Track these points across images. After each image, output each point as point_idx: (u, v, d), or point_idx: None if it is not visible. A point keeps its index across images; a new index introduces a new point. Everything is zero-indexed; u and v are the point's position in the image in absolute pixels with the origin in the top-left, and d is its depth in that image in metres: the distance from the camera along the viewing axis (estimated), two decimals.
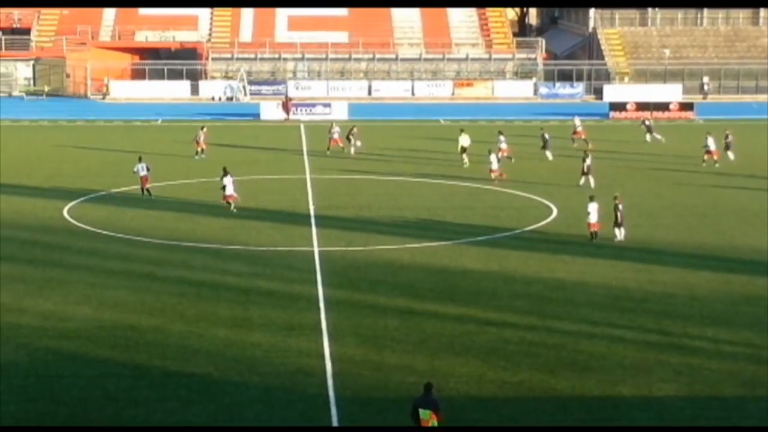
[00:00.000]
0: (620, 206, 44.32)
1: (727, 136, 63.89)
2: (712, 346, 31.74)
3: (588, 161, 55.71)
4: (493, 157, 56.97)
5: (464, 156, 61.40)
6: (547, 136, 64.15)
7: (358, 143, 64.94)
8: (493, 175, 56.33)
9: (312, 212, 49.44)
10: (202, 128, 66.12)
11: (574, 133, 68.40)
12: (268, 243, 43.71)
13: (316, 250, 42.60)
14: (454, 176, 58.11)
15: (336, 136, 65.72)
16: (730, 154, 62.70)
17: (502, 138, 62.07)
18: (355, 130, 66.29)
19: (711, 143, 61.49)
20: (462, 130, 63.89)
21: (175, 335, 32.51)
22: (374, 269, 39.97)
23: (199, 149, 63.73)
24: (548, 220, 48.41)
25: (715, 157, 61.16)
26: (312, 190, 54.39)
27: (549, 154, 63.17)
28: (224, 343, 31.75)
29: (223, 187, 49.48)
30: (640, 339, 32.29)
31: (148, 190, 52.56)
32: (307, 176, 58.23)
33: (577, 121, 70.21)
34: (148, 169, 52.81)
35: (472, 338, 32.28)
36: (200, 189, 54.85)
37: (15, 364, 30.07)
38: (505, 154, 60.97)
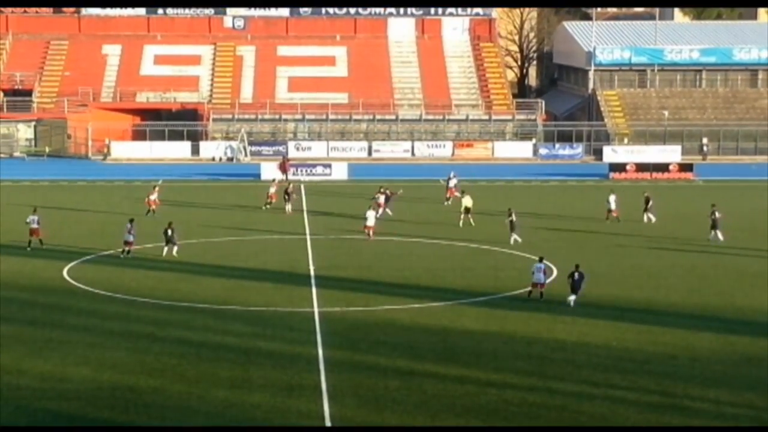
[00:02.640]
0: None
1: (648, 200, 63.71)
2: (713, 408, 31.59)
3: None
4: None
5: (469, 216, 61.55)
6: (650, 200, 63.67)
7: (289, 207, 65.42)
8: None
9: (312, 272, 49.39)
10: (155, 187, 67.19)
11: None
12: (268, 303, 43.62)
13: (316, 310, 42.51)
14: (455, 237, 58.08)
15: (273, 191, 67.19)
16: (651, 216, 62.94)
17: None
18: (291, 187, 67.79)
19: (612, 202, 62.28)
20: (463, 192, 64.08)
21: (175, 396, 32.36)
22: (374, 330, 39.85)
23: (151, 208, 64.51)
24: (548, 280, 48.26)
25: (615, 215, 61.85)
26: (312, 250, 54.37)
27: (651, 216, 62.46)
28: (224, 404, 31.59)
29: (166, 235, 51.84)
30: (641, 400, 32.14)
31: (40, 240, 54.37)
32: (308, 236, 58.24)
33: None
34: (38, 222, 54.69)
35: (472, 399, 32.13)
36: (201, 249, 54.82)
37: (14, 426, 29.87)
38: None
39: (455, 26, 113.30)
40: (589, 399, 32.23)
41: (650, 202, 63.14)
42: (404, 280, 48.04)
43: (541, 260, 45.36)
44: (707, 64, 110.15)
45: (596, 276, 49.14)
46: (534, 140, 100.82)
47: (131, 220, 53.41)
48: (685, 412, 31.13)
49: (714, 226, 57.73)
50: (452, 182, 71.29)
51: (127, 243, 52.35)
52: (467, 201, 62.59)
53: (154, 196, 65.03)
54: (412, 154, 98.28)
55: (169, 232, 52.58)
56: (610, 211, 62.45)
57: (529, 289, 44.83)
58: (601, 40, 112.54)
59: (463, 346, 37.67)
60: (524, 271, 50.07)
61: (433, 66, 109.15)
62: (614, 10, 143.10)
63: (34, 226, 54.47)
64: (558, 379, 34.03)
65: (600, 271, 50.31)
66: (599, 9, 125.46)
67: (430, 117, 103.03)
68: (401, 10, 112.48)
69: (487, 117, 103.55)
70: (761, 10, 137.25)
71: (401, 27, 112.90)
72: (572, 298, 43.57)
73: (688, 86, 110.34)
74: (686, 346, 37.91)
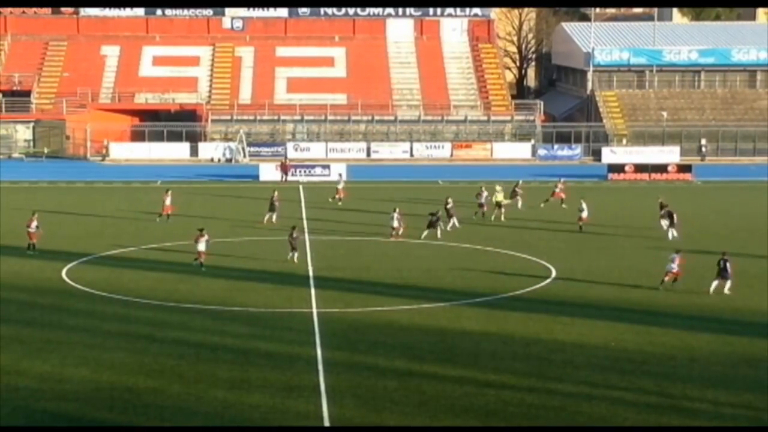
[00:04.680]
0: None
1: (662, 206, 61.62)
2: (712, 409, 31.61)
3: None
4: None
5: (501, 211, 63.51)
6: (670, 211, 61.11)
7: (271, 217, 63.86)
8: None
9: (311, 273, 49.39)
10: (167, 191, 65.33)
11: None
12: (266, 304, 43.62)
13: (314, 311, 42.51)
14: (453, 238, 58.06)
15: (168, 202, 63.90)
16: (674, 233, 59.81)
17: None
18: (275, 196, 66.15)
19: (584, 208, 61.38)
20: (496, 188, 65.38)
21: (174, 397, 32.36)
22: (373, 330, 39.86)
23: (166, 213, 63.02)
24: (547, 281, 48.39)
25: (582, 222, 60.95)
26: (311, 252, 54.36)
27: (675, 233, 59.54)
28: (222, 404, 31.58)
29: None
30: (640, 401, 32.16)
31: (33, 245, 53.49)
32: (306, 237, 58.23)
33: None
34: (36, 227, 53.84)
35: (471, 400, 32.14)
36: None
37: (13, 427, 29.88)
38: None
39: (454, 27, 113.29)
40: (588, 399, 32.25)
41: (674, 217, 59.49)
42: (403, 281, 48.06)
43: (677, 252, 46.96)
44: (706, 65, 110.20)
45: (595, 277, 49.25)
46: (532, 141, 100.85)
47: (201, 230, 51.28)
48: (683, 413, 31.16)
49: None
50: (341, 185, 71.97)
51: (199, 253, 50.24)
52: (499, 196, 63.84)
53: (168, 201, 63.66)
54: (411, 155, 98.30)
55: (293, 235, 51.74)
56: (581, 218, 61.96)
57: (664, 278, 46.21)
58: (599, 41, 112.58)
59: (462, 347, 37.69)
60: (523, 271, 50.20)
61: (431, 67, 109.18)
62: (613, 11, 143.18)
63: (32, 230, 53.82)
64: (557, 380, 34.04)
65: (598, 271, 50.37)
66: (598, 10, 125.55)
67: (429, 118, 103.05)
68: (400, 11, 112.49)
69: (485, 118, 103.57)
70: (760, 11, 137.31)
71: (400, 28, 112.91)
72: (715, 283, 45.27)
73: (687, 87, 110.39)
74: (685, 346, 37.93)
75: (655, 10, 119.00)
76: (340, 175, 74.16)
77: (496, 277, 49.11)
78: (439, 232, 58.08)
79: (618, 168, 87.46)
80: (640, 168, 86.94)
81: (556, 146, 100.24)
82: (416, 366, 35.32)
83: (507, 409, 31.49)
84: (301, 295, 45.13)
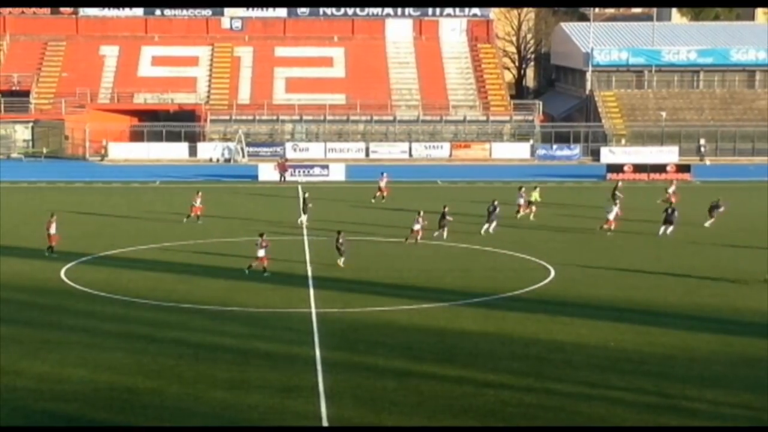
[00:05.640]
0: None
1: (718, 205, 62.99)
2: (711, 409, 31.61)
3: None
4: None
5: (532, 208, 64.25)
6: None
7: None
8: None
9: (310, 273, 49.38)
10: (198, 192, 65.16)
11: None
12: (265, 305, 43.61)
13: (313, 311, 42.50)
14: (453, 237, 58.03)
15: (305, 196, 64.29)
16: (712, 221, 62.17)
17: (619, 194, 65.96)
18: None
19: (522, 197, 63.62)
20: (536, 187, 66.85)
21: (173, 397, 32.35)
22: (372, 331, 39.85)
23: (193, 214, 63.06)
24: (546, 281, 48.39)
25: (525, 211, 62.50)
26: (310, 252, 54.35)
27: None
28: (221, 405, 31.57)
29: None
30: (639, 401, 32.16)
31: (52, 248, 52.91)
32: (305, 237, 58.23)
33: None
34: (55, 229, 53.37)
35: (470, 400, 32.14)
36: (199, 250, 54.82)
37: (12, 427, 29.87)
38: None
39: (453, 27, 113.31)
40: (587, 400, 32.25)
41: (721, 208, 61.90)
42: (402, 281, 48.05)
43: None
44: (705, 65, 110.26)
45: (594, 277, 49.29)
46: (531, 141, 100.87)
47: (261, 234, 50.41)
48: (682, 413, 31.15)
49: (666, 221, 59.26)
50: (383, 182, 71.83)
51: (257, 259, 49.23)
52: (536, 195, 65.07)
53: (198, 202, 63.27)
54: (410, 155, 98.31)
55: (339, 240, 51.30)
56: (521, 205, 63.70)
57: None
58: (598, 41, 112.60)
59: (461, 347, 37.68)
60: (522, 271, 50.21)
61: (430, 67, 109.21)
62: (612, 11, 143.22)
63: (52, 233, 53.00)
64: (555, 380, 34.03)
65: (598, 271, 50.39)
66: (597, 10, 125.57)
67: (428, 118, 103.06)
68: (399, 11, 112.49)
69: (484, 118, 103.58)
70: (759, 11, 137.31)
71: (399, 28, 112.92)
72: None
73: (686, 87, 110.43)
74: (684, 346, 37.93)
75: (654, 10, 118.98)
76: (383, 174, 73.35)
77: (494, 277, 49.11)
78: (492, 226, 59.03)
79: (617, 168, 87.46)
80: (638, 168, 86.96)
81: (554, 146, 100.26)
82: (415, 366, 35.31)
83: (506, 409, 31.48)
84: (300, 296, 45.12)
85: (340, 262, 50.60)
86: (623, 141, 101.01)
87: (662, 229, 59.17)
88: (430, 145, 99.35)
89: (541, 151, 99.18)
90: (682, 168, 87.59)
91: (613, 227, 59.89)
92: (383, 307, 43.26)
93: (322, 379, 33.79)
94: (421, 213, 56.96)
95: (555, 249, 55.51)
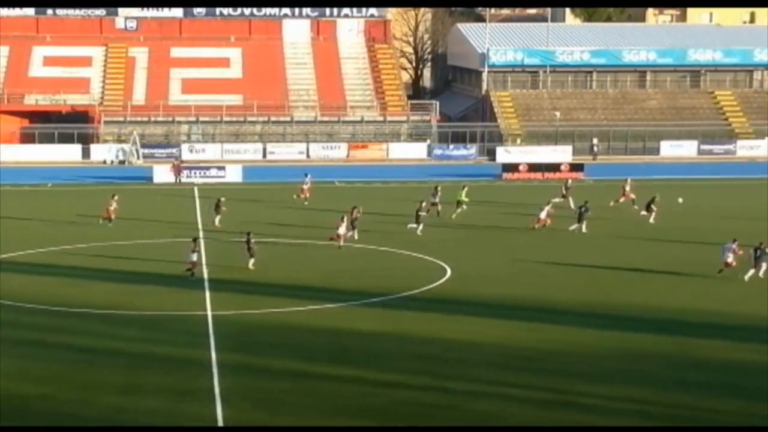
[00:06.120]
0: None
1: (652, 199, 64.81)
2: (604, 404, 32.07)
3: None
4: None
5: (459, 209, 64.87)
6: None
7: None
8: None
9: (206, 275, 48.98)
10: (114, 196, 64.14)
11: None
12: (161, 307, 43.18)
13: (209, 313, 42.21)
14: (349, 238, 57.97)
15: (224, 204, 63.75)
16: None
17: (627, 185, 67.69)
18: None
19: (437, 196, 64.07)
20: (464, 186, 67.03)
21: (65, 403, 31.86)
22: (268, 332, 39.72)
23: (109, 217, 62.03)
24: (442, 280, 48.65)
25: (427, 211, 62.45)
26: (206, 253, 53.88)
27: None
28: (114, 409, 31.19)
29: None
30: (533, 398, 32.51)
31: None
32: (201, 240, 57.72)
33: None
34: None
35: (366, 400, 32.18)
36: (91, 254, 54.07)
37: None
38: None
39: (350, 28, 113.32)
40: (482, 397, 32.50)
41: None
42: (298, 282, 47.93)
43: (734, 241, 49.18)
44: (597, 65, 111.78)
45: (490, 275, 49.67)
46: (428, 141, 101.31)
47: (194, 239, 50.51)
48: (575, 409, 31.55)
49: (580, 219, 60.15)
50: (306, 184, 71.96)
51: (192, 263, 48.85)
52: (463, 194, 65.65)
53: (113, 206, 62.38)
54: (307, 155, 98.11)
55: (250, 242, 50.74)
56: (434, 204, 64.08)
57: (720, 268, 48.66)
58: (494, 41, 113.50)
59: (357, 347, 37.74)
60: (418, 271, 50.38)
61: (327, 67, 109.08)
62: (507, 11, 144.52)
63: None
64: (451, 379, 34.24)
65: (493, 270, 50.81)
66: (492, 10, 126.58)
67: (325, 118, 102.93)
68: (296, 11, 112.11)
69: (381, 118, 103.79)
70: (649, 13, 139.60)
71: (296, 28, 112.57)
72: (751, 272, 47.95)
73: (579, 87, 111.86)
74: (576, 343, 38.43)
75: (549, 10, 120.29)
76: (307, 175, 73.33)
77: (391, 277, 49.21)
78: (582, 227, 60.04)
79: (512, 167, 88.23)
80: (533, 167, 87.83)
81: (451, 146, 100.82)
82: (311, 367, 35.27)
83: (402, 408, 31.59)
84: (196, 298, 44.77)
85: (250, 264, 50.23)
86: (518, 140, 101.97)
87: (575, 226, 59.85)
88: (328, 146, 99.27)
89: (437, 151, 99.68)
90: (576, 167, 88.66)
91: (547, 224, 60.38)
92: (279, 308, 43.12)
93: (218, 382, 33.59)
94: (345, 217, 56.80)
95: (451, 248, 55.82)
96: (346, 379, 34.01)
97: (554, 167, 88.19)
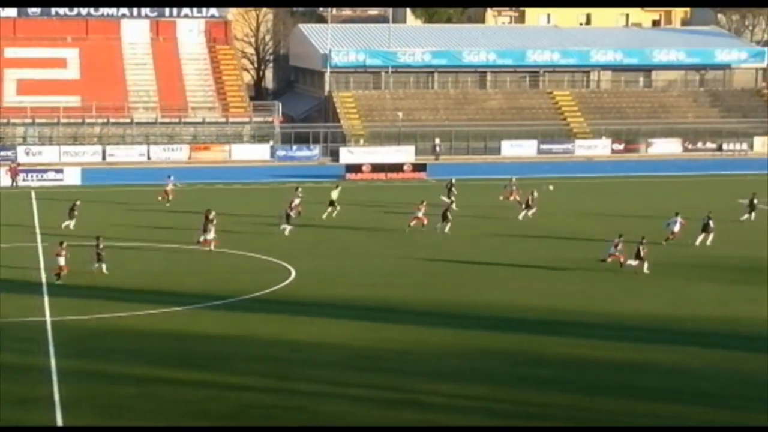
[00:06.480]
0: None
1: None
2: (446, 401, 32.44)
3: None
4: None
5: (331, 209, 64.71)
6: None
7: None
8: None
9: (44, 281, 47.94)
10: None
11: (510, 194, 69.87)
12: None
13: (48, 319, 41.32)
14: (190, 241, 57.39)
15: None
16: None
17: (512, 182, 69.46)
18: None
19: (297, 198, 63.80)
20: (337, 186, 67.24)
21: None
22: (110, 337, 39.09)
23: None
24: (287, 282, 48.58)
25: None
26: (44, 258, 52.72)
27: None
28: None
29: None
30: (377, 397, 32.73)
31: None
32: (39, 244, 56.48)
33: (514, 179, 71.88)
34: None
35: (211, 404, 31.95)
36: None
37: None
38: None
39: (190, 28, 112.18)
40: (328, 398, 32.58)
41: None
42: (140, 286, 47.27)
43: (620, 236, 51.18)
44: (438, 66, 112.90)
45: (334, 276, 49.79)
46: (271, 142, 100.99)
47: (61, 243, 48.93)
48: (418, 407, 31.85)
49: (444, 219, 60.66)
50: (170, 186, 71.30)
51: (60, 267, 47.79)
52: (335, 193, 65.39)
53: None
54: (148, 157, 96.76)
55: (99, 246, 49.31)
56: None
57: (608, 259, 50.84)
58: (336, 42, 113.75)
59: (201, 351, 37.43)
60: (262, 273, 50.17)
61: (168, 68, 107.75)
62: (348, 12, 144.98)
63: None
64: (296, 380, 34.25)
65: (338, 270, 50.93)
66: (334, 11, 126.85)
67: (166, 120, 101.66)
68: (135, 11, 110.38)
69: (224, 119, 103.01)
70: (488, 14, 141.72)
71: (135, 28, 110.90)
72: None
73: (421, 88, 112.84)
74: (419, 341, 38.80)
75: (390, 11, 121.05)
76: (170, 177, 72.51)
77: (235, 279, 48.93)
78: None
79: (355, 168, 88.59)
80: (376, 168, 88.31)
81: (294, 147, 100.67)
82: (154, 372, 34.87)
83: (247, 411, 31.46)
84: (34, 304, 43.78)
85: (104, 269, 49.21)
86: (361, 141, 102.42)
87: (440, 226, 60.32)
88: (169, 148, 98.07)
89: (280, 153, 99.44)
90: (418, 167, 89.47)
91: (423, 224, 60.69)
92: (121, 312, 42.47)
93: (58, 389, 32.94)
94: (213, 221, 56.03)
95: (295, 249, 55.73)
96: (190, 383, 33.72)
97: (397, 167, 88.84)
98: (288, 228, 59.74)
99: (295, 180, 78.51)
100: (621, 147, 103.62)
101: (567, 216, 66.43)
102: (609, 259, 50.85)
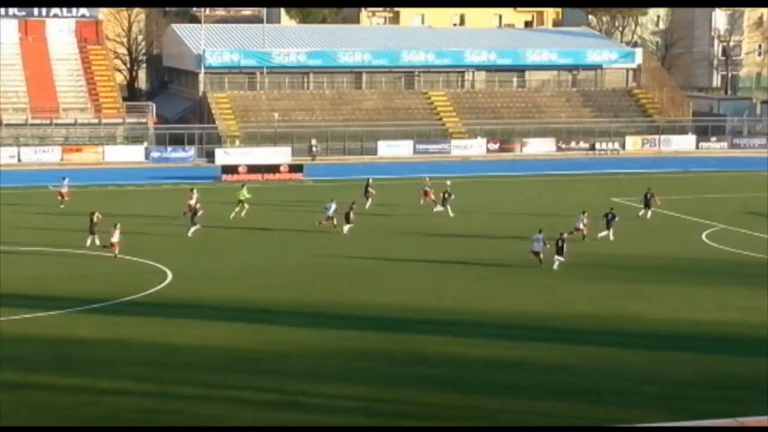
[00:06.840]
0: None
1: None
2: (328, 402, 32.36)
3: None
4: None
5: (239, 208, 64.91)
6: None
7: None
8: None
9: None
10: None
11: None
12: None
13: None
14: (63, 244, 56.32)
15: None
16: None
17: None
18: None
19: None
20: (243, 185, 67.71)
21: None
22: None
23: None
24: (163, 284, 47.99)
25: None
26: None
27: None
28: None
29: None
30: (258, 399, 32.50)
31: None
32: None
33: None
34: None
35: (87, 409, 31.39)
36: None
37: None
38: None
39: (60, 28, 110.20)
40: (206, 401, 32.27)
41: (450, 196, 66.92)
42: (13, 290, 46.12)
43: (540, 231, 51.66)
44: (314, 66, 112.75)
45: (212, 278, 49.36)
46: (145, 144, 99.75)
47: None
48: (299, 408, 31.72)
49: (347, 221, 60.62)
50: (65, 188, 69.96)
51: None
52: (244, 192, 65.37)
53: None
54: (19, 160, 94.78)
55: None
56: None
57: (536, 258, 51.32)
58: (210, 42, 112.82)
59: (76, 356, 36.77)
60: (139, 275, 49.48)
61: (38, 69, 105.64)
62: (222, 12, 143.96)
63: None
64: (174, 383, 33.85)
65: (216, 272, 50.51)
66: (208, 11, 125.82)
67: (37, 121, 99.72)
68: (2, 10, 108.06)
69: (96, 121, 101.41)
70: (363, 15, 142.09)
71: (3, 29, 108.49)
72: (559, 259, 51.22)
73: (297, 88, 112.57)
74: (299, 342, 38.67)
75: (264, 11, 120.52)
76: (64, 179, 71.17)
77: (110, 282, 48.18)
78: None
79: (231, 169, 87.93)
80: (253, 169, 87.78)
81: (169, 148, 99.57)
82: (27, 378, 34.12)
83: (123, 415, 30.97)
84: None
85: None
86: (237, 142, 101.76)
87: (346, 227, 60.08)
88: (40, 150, 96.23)
89: (155, 154, 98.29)
90: (295, 168, 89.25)
91: (333, 224, 60.56)
92: None
93: None
94: (118, 225, 54.78)
95: (171, 251, 55.13)
96: (66, 389, 33.08)
97: (274, 168, 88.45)
98: (193, 229, 58.99)
99: (170, 182, 77.64)
100: (496, 147, 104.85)
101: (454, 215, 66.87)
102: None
